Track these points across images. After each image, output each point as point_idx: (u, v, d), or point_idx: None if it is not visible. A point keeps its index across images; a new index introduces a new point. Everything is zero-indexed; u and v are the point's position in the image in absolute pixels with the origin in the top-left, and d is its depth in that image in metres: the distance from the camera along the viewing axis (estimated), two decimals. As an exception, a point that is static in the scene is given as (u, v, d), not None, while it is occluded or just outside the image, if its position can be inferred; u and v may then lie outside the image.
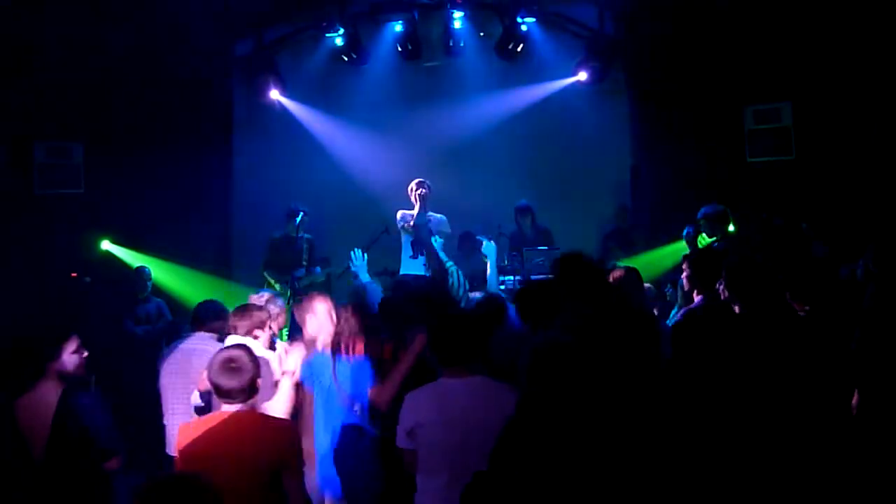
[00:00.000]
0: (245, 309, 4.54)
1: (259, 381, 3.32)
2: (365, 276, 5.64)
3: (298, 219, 7.88)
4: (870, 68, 7.38)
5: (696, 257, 4.67)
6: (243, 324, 4.40)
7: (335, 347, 4.18)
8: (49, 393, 3.72)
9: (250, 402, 3.28)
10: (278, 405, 4.06)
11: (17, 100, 8.07)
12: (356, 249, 5.77)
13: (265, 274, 7.81)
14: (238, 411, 3.23)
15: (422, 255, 6.97)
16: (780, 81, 7.92)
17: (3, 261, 7.51)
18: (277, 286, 7.61)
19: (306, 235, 8.04)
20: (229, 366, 3.22)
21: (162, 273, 8.22)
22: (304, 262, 7.84)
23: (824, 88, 7.67)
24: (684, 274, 4.65)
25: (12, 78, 7.97)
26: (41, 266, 7.82)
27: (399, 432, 3.39)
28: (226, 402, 3.24)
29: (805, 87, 7.81)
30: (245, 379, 3.22)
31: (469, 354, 3.40)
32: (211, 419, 3.30)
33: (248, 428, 3.21)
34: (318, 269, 7.90)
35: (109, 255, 8.38)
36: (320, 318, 4.36)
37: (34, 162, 8.33)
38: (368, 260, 7.03)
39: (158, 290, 8.05)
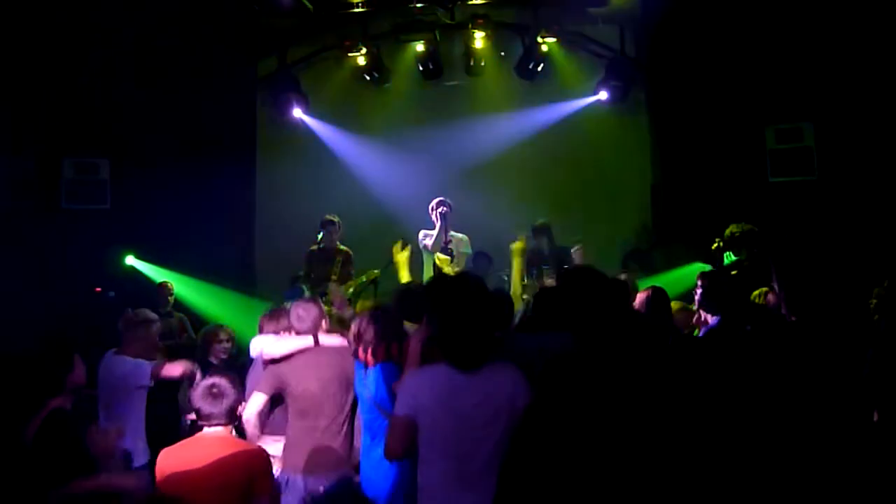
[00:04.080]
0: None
1: (240, 407, 3.57)
2: None
3: (320, 236, 7.90)
4: (892, 87, 7.34)
5: (709, 280, 4.68)
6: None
7: (355, 355, 4.07)
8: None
9: (230, 426, 3.52)
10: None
11: (46, 117, 8.25)
12: None
13: (303, 287, 7.72)
14: (214, 434, 3.46)
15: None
16: (801, 101, 7.89)
17: (29, 274, 7.65)
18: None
19: (342, 248, 7.87)
20: (212, 391, 3.46)
21: (185, 289, 8.30)
22: (335, 277, 7.65)
23: (846, 108, 7.64)
24: (698, 293, 4.66)
25: (42, 96, 8.16)
26: (66, 280, 7.94)
27: (400, 402, 3.26)
28: (206, 425, 3.48)
29: (827, 107, 7.78)
30: (226, 405, 3.45)
31: (478, 358, 3.22)
32: (189, 444, 3.54)
33: (223, 452, 3.41)
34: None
35: (133, 271, 8.48)
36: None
37: (62, 177, 8.49)
38: (387, 278, 7.02)
39: (181, 306, 8.12)
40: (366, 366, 3.99)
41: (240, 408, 3.59)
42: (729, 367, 3.73)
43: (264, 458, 3.53)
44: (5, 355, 3.60)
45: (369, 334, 3.99)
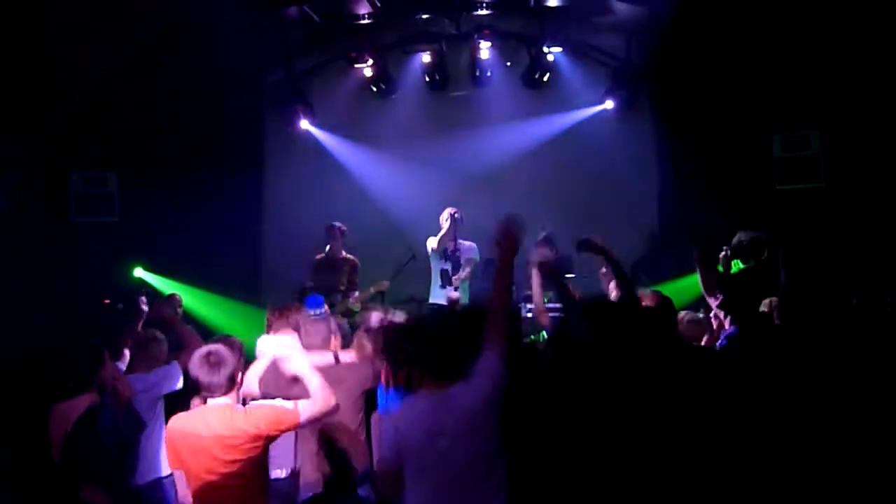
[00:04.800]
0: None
1: (238, 374, 3.47)
2: None
3: (328, 248, 7.89)
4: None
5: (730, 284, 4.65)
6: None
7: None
8: (83, 403, 3.79)
9: (231, 394, 3.43)
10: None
11: (54, 130, 8.29)
12: None
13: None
14: (217, 405, 3.38)
15: (450, 284, 6.99)
16: (808, 109, 7.89)
17: (39, 287, 7.67)
18: None
19: (349, 256, 7.86)
20: (209, 360, 3.37)
21: (193, 300, 8.30)
22: (343, 287, 7.67)
23: (853, 116, 7.63)
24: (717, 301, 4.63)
25: (50, 109, 8.20)
26: (75, 293, 7.97)
27: (384, 445, 3.31)
28: (208, 396, 3.40)
29: (833, 115, 7.77)
30: (224, 374, 3.36)
31: (454, 371, 3.23)
32: (194, 415, 3.50)
33: (225, 422, 3.33)
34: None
35: (142, 283, 8.50)
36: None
37: (70, 190, 8.54)
38: (395, 288, 7.00)
39: (189, 318, 8.11)
40: (386, 385, 4.04)
41: (239, 375, 3.51)
42: (749, 373, 3.72)
43: (267, 410, 3.42)
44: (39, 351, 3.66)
45: (389, 358, 4.03)
